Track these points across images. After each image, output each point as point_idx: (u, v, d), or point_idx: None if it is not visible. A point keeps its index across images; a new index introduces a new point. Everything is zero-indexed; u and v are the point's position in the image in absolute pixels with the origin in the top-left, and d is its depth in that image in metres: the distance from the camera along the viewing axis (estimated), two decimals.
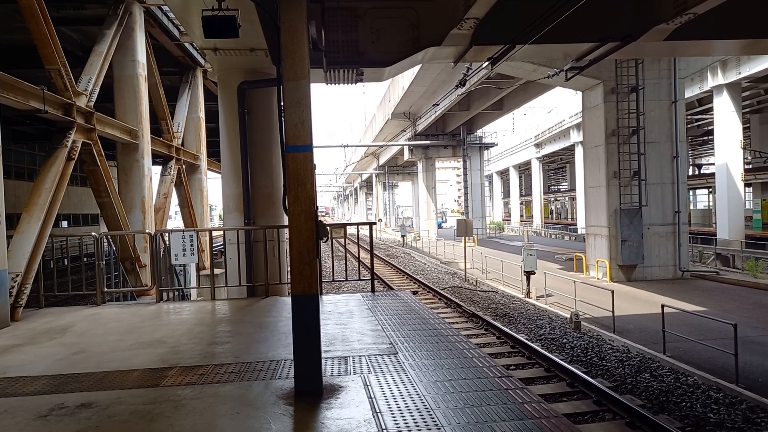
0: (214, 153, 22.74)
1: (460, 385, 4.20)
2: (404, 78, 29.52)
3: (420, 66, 21.38)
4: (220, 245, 20.92)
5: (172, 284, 9.70)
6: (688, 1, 9.19)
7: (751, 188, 31.74)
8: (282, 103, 4.17)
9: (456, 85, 21.18)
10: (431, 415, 3.61)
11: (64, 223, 25.51)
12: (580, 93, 20.80)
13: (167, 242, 8.13)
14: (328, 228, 5.57)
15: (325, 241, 4.34)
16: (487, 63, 11.85)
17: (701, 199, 42.52)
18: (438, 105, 29.32)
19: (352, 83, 11.07)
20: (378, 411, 3.70)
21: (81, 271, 8.99)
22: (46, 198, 8.27)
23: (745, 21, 10.71)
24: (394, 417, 3.60)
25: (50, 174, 8.52)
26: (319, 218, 4.28)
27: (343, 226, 8.78)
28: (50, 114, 8.56)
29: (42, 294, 7.89)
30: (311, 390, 4.06)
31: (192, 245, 7.87)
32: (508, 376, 4.42)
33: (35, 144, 22.48)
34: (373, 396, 3.99)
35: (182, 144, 15.83)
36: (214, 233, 11.27)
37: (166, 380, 4.42)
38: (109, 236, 10.84)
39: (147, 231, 11.36)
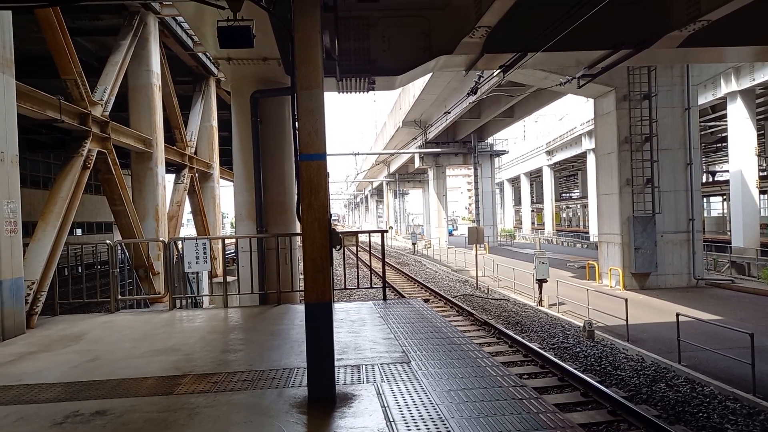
0: (226, 161, 22.98)
1: (473, 394, 4.17)
2: (415, 86, 29.60)
3: (431, 74, 21.43)
4: (232, 253, 21.02)
5: (185, 292, 9.74)
6: (702, 7, 9.14)
7: (766, 195, 31.35)
8: (295, 112, 4.19)
9: (467, 93, 21.19)
10: (445, 424, 3.59)
11: (78, 231, 25.76)
12: (591, 100, 20.73)
13: (180, 250, 8.18)
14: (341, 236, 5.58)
15: (338, 249, 4.35)
16: (498, 71, 11.85)
17: (715, 206, 42.07)
18: (449, 113, 29.33)
19: (364, 92, 11.13)
20: (392, 420, 3.68)
21: (95, 279, 9.06)
22: (62, 206, 8.36)
23: (759, 27, 10.63)
24: (407, 426, 3.58)
25: (66, 182, 8.63)
26: (332, 226, 4.29)
27: (355, 234, 8.77)
28: (66, 123, 8.68)
29: (57, 301, 7.97)
30: (324, 398, 4.06)
31: (205, 253, 7.91)
32: (522, 385, 4.38)
33: (50, 153, 22.76)
34: (386, 405, 3.97)
35: (195, 152, 15.97)
36: (226, 241, 11.33)
37: (179, 388, 4.44)
38: (123, 244, 10.93)
39: (161, 239, 11.46)
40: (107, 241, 8.40)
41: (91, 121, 9.44)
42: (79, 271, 18.39)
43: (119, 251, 10.78)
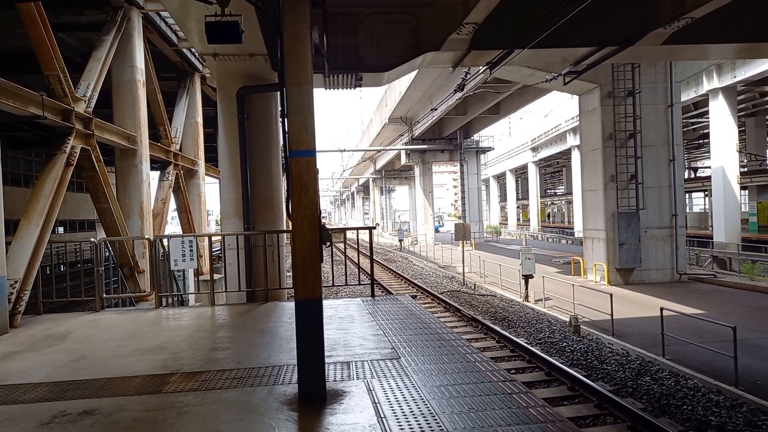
0: (211, 158, 22.82)
1: (463, 389, 4.19)
2: (401, 83, 29.58)
3: (417, 71, 21.43)
4: (217, 250, 20.84)
5: (171, 290, 9.65)
6: (686, 5, 9.26)
7: (747, 191, 31.87)
8: (282, 109, 4.16)
9: (454, 90, 21.23)
10: (436, 420, 3.61)
11: (60, 229, 25.39)
12: (576, 97, 20.88)
13: (166, 248, 8.11)
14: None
15: (328, 246, 4.34)
16: (485, 68, 11.88)
17: (697, 202, 42.67)
18: (435, 109, 29.38)
19: (351, 88, 11.10)
20: (383, 416, 3.69)
21: (79, 277, 8.94)
22: (45, 204, 8.24)
23: (741, 25, 10.79)
24: (399, 422, 3.59)
25: (49, 180, 8.50)
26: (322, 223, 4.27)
27: (343, 230, 8.78)
28: (49, 120, 8.55)
29: (40, 300, 7.85)
30: (315, 395, 4.05)
31: (191, 251, 7.85)
32: (511, 380, 4.41)
33: (32, 150, 22.41)
34: (377, 401, 3.98)
35: (180, 149, 15.82)
36: (213, 238, 11.26)
37: (168, 386, 4.40)
38: (107, 242, 10.80)
39: (146, 237, 11.34)
40: (92, 239, 8.29)
41: (74, 117, 9.30)
42: (62, 269, 18.15)
43: (104, 249, 10.65)
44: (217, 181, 21.52)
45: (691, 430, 6.51)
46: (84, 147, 9.71)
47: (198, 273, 14.83)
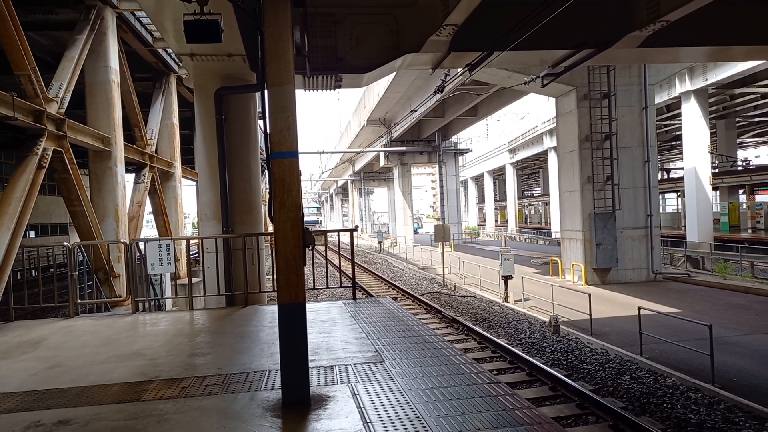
0: (187, 160, 22.49)
1: (449, 392, 4.16)
2: (380, 84, 29.55)
3: (395, 73, 21.42)
4: (195, 254, 20.52)
5: (148, 294, 9.46)
6: (662, 8, 9.41)
7: (718, 192, 32.57)
8: (261, 110, 4.09)
9: (434, 91, 21.29)
10: (423, 424, 3.57)
11: (32, 233, 24.78)
12: (553, 99, 21.11)
13: (143, 251, 7.93)
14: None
15: (311, 249, 4.27)
16: (464, 69, 11.92)
17: (670, 202, 43.50)
18: (414, 111, 29.42)
19: (330, 89, 11.02)
20: (368, 421, 3.64)
21: (52, 282, 8.71)
22: (16, 207, 8.02)
23: (713, 29, 11.02)
24: (385, 427, 3.54)
25: (20, 183, 8.28)
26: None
27: (324, 233, 8.71)
28: (20, 121, 8.32)
29: (12, 306, 7.61)
30: (299, 401, 3.98)
31: (169, 254, 7.69)
32: (496, 382, 4.40)
33: (2, 152, 21.85)
34: (362, 405, 3.92)
35: (156, 151, 15.56)
36: (190, 241, 11.09)
37: (146, 394, 4.29)
38: (81, 246, 10.55)
39: (122, 240, 11.12)
40: (65, 243, 8.08)
41: (47, 118, 9.08)
42: (35, 274, 17.70)
43: (78, 253, 10.39)
44: (194, 183, 21.23)
45: (671, 428, 6.59)
46: (56, 149, 9.48)
47: (175, 277, 14.57)
